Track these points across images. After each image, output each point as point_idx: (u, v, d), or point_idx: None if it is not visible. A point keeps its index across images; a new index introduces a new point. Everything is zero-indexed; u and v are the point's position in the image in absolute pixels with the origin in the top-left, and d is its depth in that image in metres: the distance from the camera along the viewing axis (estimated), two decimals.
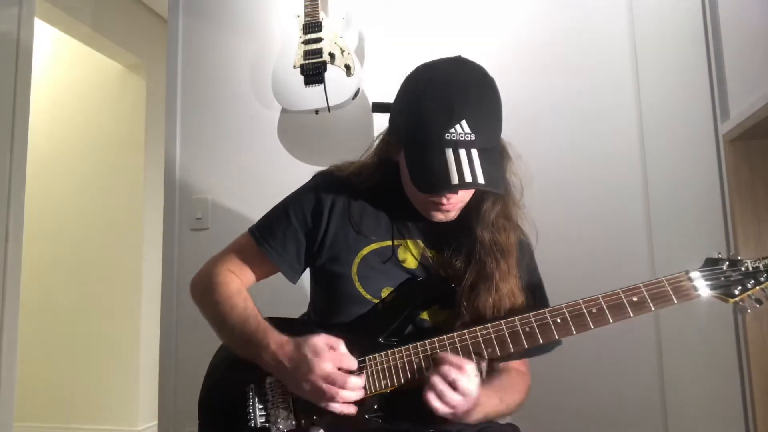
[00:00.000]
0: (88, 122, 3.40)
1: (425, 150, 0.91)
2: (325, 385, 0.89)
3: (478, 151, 0.89)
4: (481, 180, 0.88)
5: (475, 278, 0.98)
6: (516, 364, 1.06)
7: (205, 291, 1.08)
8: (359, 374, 0.92)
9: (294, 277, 1.09)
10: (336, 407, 0.90)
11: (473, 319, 0.97)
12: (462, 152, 0.88)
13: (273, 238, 1.07)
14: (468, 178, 0.87)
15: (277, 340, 0.95)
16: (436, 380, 0.88)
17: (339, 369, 0.90)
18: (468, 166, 0.88)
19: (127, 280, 3.23)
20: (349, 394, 0.90)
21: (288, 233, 1.07)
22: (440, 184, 0.89)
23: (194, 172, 2.12)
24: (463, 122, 0.88)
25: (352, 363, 0.91)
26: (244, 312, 1.01)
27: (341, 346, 0.92)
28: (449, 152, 0.88)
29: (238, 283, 1.09)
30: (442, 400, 0.88)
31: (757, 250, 1.10)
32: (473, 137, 0.88)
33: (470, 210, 1.02)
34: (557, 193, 1.78)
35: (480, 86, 0.93)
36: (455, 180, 0.87)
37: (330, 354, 0.90)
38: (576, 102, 1.84)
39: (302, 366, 0.90)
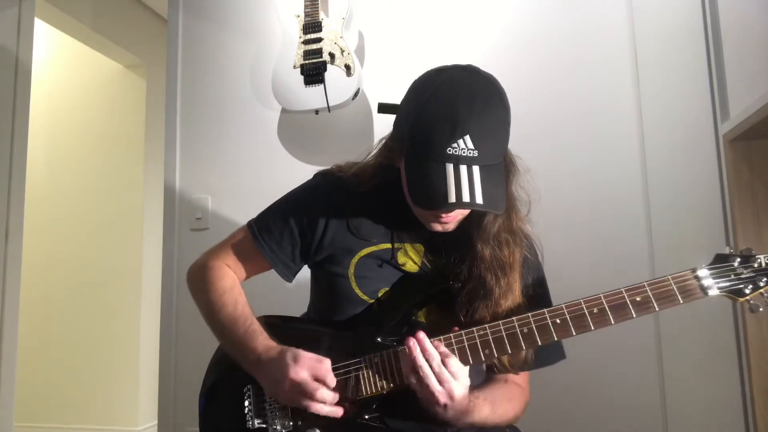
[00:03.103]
0: (88, 122, 3.40)
1: (425, 163, 0.88)
2: (295, 394, 0.89)
3: (480, 168, 0.86)
4: (479, 200, 0.85)
5: (473, 293, 0.97)
6: (515, 378, 1.04)
7: (199, 283, 1.09)
8: (335, 391, 0.91)
9: (288, 276, 1.09)
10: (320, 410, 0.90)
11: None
12: (463, 168, 0.86)
13: (269, 235, 1.07)
14: (466, 198, 0.84)
15: (264, 343, 0.96)
16: (416, 351, 0.88)
17: (316, 380, 0.90)
18: (468, 184, 0.85)
19: (127, 280, 3.23)
20: (319, 406, 0.89)
21: (284, 232, 1.06)
22: (437, 200, 0.87)
23: (194, 172, 2.12)
24: (467, 137, 0.85)
25: (331, 380, 0.90)
26: (233, 313, 1.01)
27: (326, 362, 0.91)
28: (449, 168, 0.86)
29: (232, 279, 1.08)
30: (421, 383, 0.87)
31: (757, 249, 1.10)
32: (476, 153, 0.86)
33: (472, 221, 0.99)
34: (557, 194, 1.78)
35: (488, 99, 0.89)
36: (452, 198, 0.85)
37: (310, 364, 0.90)
38: (576, 102, 1.84)
39: (280, 368, 0.91)
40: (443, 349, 0.89)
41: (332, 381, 0.90)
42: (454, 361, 0.88)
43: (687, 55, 1.40)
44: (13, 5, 2.28)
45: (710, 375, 1.36)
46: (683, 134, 1.47)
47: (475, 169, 0.86)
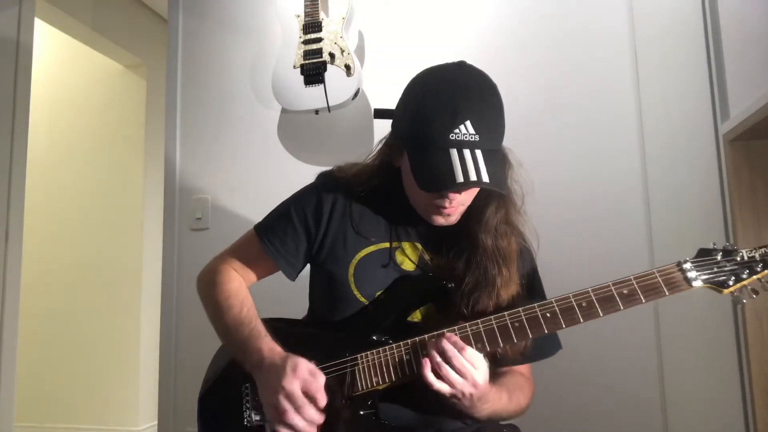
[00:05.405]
0: (88, 122, 3.40)
1: (429, 150, 0.91)
2: (282, 402, 0.88)
3: (482, 151, 0.90)
4: (485, 179, 0.88)
5: (475, 284, 0.98)
6: (522, 369, 1.06)
7: (207, 287, 1.10)
8: (321, 412, 0.90)
9: (292, 274, 1.10)
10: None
11: None
12: (466, 152, 0.89)
13: (273, 235, 1.09)
14: (473, 177, 0.87)
15: (268, 346, 0.96)
16: (433, 353, 0.88)
17: (306, 396, 0.88)
18: (473, 165, 0.88)
19: (127, 280, 3.23)
20: (299, 421, 0.87)
21: (288, 231, 1.08)
22: (445, 182, 0.89)
23: (194, 172, 2.12)
24: (467, 123, 0.89)
25: (322, 398, 0.89)
26: (239, 316, 1.02)
27: (321, 378, 0.90)
28: (453, 152, 0.89)
29: (239, 282, 1.10)
30: (437, 375, 0.87)
31: None
32: (477, 138, 0.89)
33: (472, 215, 1.02)
34: (557, 194, 1.78)
35: (483, 89, 0.94)
36: (460, 178, 0.87)
37: (305, 377, 0.89)
38: (576, 102, 1.84)
39: (276, 374, 0.90)
40: (456, 339, 0.90)
41: (322, 400, 0.89)
42: (470, 351, 0.89)
43: (687, 56, 1.40)
44: (13, 5, 2.28)
45: (710, 375, 1.36)
46: (683, 134, 1.47)
47: (478, 152, 0.90)
